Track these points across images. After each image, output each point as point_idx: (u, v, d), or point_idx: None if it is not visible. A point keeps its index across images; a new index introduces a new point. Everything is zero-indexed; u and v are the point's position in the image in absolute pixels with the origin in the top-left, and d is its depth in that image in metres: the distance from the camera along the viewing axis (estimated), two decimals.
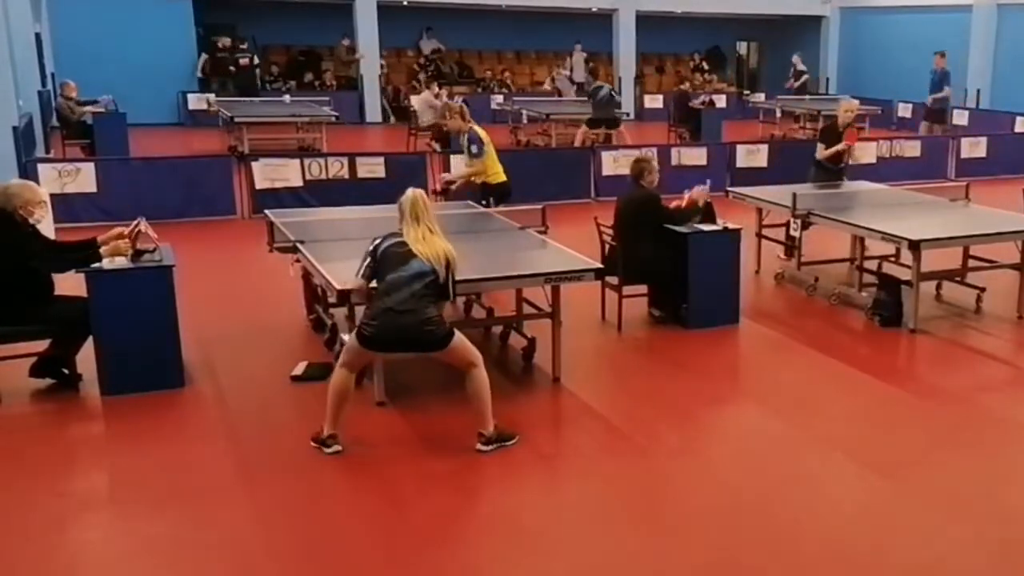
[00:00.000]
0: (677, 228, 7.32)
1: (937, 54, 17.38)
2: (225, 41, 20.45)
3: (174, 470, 5.02)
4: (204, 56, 21.07)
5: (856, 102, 9.93)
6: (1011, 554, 4.39)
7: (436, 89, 17.52)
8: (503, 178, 8.75)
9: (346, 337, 6.52)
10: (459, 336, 5.22)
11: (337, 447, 5.18)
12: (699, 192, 7.57)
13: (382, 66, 22.87)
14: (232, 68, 19.95)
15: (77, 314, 5.85)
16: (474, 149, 8.62)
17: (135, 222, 6.15)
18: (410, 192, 5.27)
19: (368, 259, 5.21)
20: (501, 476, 5.06)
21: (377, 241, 5.22)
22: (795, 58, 22.88)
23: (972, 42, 22.94)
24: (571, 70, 24.18)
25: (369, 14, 22.30)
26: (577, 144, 15.62)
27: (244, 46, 20.52)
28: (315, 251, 6.39)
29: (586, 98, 17.35)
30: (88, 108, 14.89)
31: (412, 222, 5.16)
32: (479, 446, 5.21)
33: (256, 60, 20.45)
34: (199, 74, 21.18)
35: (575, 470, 5.17)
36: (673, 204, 7.60)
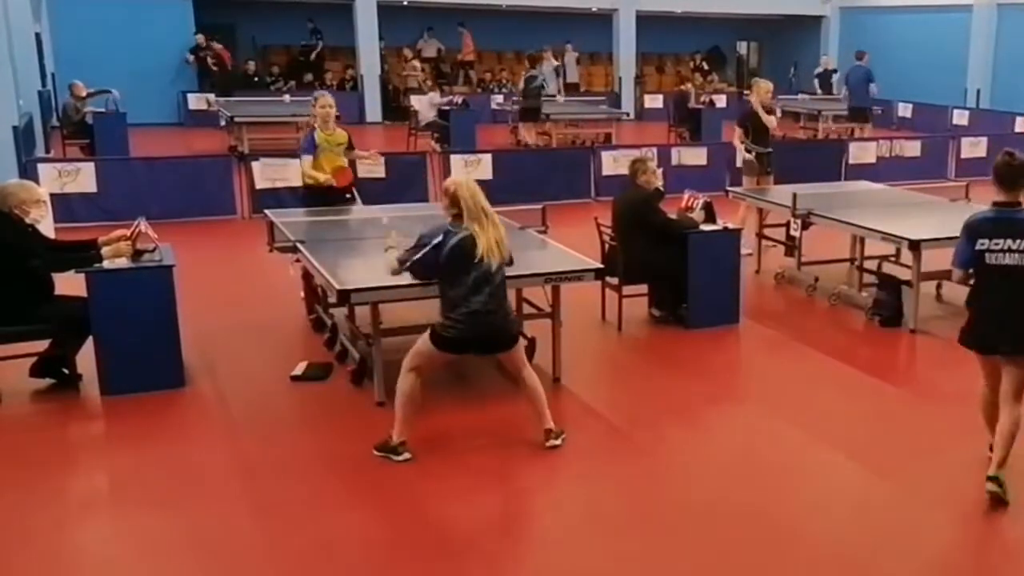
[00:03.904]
0: (676, 228, 7.33)
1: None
2: (199, 38, 20.26)
3: (174, 470, 5.02)
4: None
5: (769, 82, 10.22)
6: (1011, 554, 4.39)
7: (438, 90, 17.60)
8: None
9: (346, 337, 6.55)
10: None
11: (407, 454, 5.08)
12: (692, 197, 7.61)
13: (424, 68, 22.73)
14: (215, 67, 19.91)
15: (77, 314, 5.85)
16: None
17: (135, 223, 6.16)
18: (463, 180, 5.16)
19: (429, 252, 5.00)
20: (501, 476, 5.06)
21: (438, 239, 4.97)
22: (824, 59, 22.53)
23: (972, 42, 22.94)
24: (564, 71, 24.16)
25: (369, 14, 22.30)
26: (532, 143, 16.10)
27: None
28: (315, 251, 6.39)
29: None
30: (98, 97, 14.98)
31: (481, 214, 5.02)
32: (551, 441, 5.28)
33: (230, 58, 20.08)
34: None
35: (575, 470, 5.17)
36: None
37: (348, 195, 8.08)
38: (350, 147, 8.12)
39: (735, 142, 9.88)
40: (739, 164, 10.14)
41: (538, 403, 5.29)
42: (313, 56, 23.12)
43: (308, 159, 7.82)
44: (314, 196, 7.90)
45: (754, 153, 9.77)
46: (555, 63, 21.08)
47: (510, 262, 5.28)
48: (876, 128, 18.40)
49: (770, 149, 9.94)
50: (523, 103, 16.96)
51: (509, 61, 26.10)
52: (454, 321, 5.00)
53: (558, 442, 5.29)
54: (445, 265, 4.99)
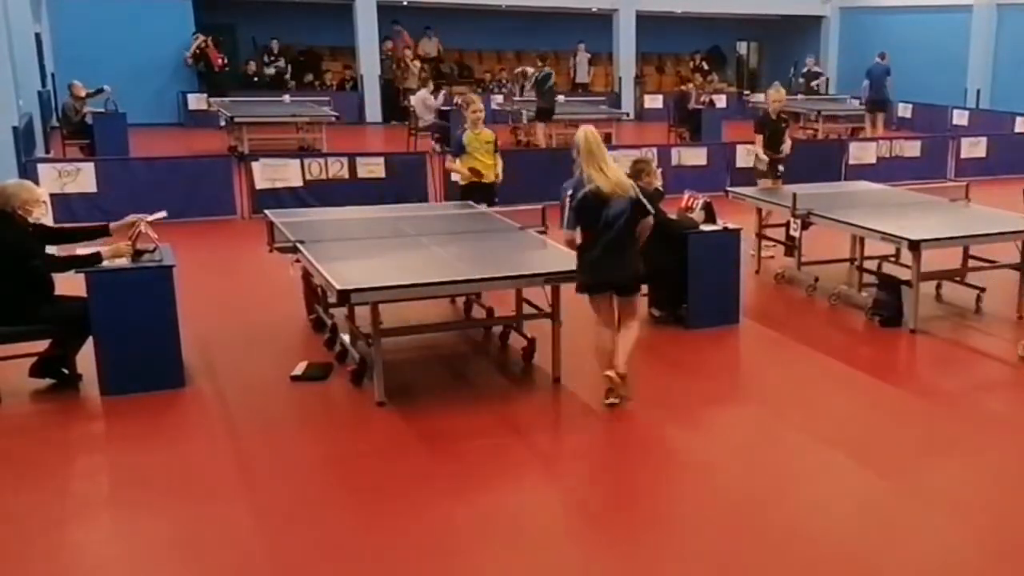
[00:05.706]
0: (676, 228, 7.33)
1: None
2: (198, 37, 20.26)
3: (174, 470, 5.02)
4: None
5: (783, 90, 10.28)
6: (1011, 554, 4.39)
7: (431, 87, 17.55)
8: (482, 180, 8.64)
9: (346, 337, 6.55)
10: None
11: (613, 399, 5.78)
12: (692, 197, 7.61)
13: (423, 68, 22.66)
14: (190, 62, 19.91)
15: (77, 314, 5.85)
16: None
17: (142, 216, 6.15)
18: (583, 128, 5.61)
19: (570, 213, 5.57)
20: (501, 476, 5.06)
21: (569, 191, 5.55)
22: (809, 60, 22.91)
23: (972, 42, 22.94)
24: (574, 70, 24.24)
25: (369, 14, 22.30)
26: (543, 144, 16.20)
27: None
28: (315, 251, 6.39)
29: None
30: (98, 98, 14.99)
31: (592, 158, 5.53)
32: (610, 399, 5.78)
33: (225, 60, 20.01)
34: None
35: (575, 470, 5.17)
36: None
37: (494, 190, 8.76)
38: (496, 148, 8.80)
39: (753, 146, 9.84)
40: (751, 165, 10.12)
41: (622, 347, 5.76)
42: (274, 71, 22.66)
43: (450, 159, 8.79)
44: (469, 191, 8.61)
45: (782, 155, 9.72)
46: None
47: (643, 208, 5.69)
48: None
49: (782, 155, 9.91)
50: (539, 102, 16.82)
51: (509, 61, 26.07)
52: (579, 268, 5.68)
53: (615, 401, 5.70)
54: (578, 213, 5.54)
